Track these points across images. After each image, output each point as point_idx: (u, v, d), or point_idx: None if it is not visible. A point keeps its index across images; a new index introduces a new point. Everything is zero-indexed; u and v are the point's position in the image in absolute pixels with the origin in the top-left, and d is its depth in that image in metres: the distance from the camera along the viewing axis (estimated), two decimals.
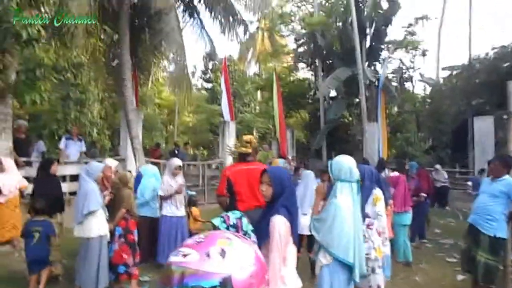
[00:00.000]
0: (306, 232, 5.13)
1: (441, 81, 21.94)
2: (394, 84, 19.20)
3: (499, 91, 15.95)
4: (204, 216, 6.43)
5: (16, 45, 5.44)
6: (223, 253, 1.05)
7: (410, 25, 19.92)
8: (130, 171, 6.66)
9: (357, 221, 2.78)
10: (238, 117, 21.15)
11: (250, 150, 4.33)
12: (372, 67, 18.15)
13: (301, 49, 20.06)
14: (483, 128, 12.57)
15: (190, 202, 6.34)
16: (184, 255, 1.05)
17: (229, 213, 2.42)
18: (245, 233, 2.32)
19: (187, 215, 5.91)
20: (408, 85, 22.34)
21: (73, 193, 8.83)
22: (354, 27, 14.95)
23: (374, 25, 17.54)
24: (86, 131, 17.99)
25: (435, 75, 23.53)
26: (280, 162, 10.98)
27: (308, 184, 5.16)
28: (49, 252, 4.61)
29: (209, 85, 26.94)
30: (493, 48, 18.11)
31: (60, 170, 9.47)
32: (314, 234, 2.84)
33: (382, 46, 18.42)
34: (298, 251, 4.67)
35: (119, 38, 9.50)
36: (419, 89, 24.30)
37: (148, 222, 5.69)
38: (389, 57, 18.29)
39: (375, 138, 15.09)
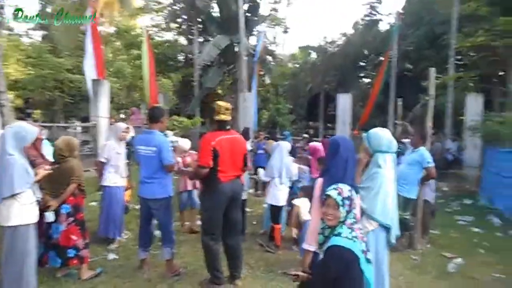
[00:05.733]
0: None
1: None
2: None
3: (350, 72, 18.82)
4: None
5: None
6: None
7: (276, 1, 21.22)
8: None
9: (395, 188, 3.10)
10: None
11: (230, 118, 4.12)
12: (248, 39, 18.73)
13: (176, 7, 19.01)
14: (344, 103, 14.69)
15: None
16: None
17: (340, 185, 2.34)
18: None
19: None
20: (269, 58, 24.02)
21: None
22: None
23: None
24: None
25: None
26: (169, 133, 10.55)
27: (283, 155, 5.29)
28: None
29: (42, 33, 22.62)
30: (344, 34, 21.02)
31: None
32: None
33: (256, 18, 19.09)
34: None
35: None
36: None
37: None
38: (261, 31, 19.10)
39: (251, 108, 15.87)
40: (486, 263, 5.00)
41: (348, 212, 2.28)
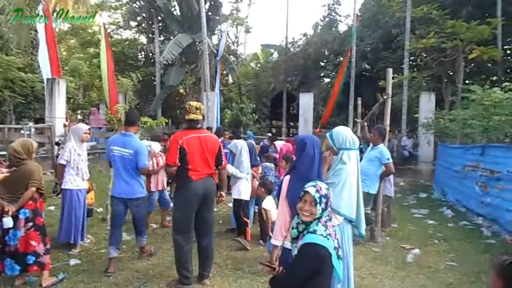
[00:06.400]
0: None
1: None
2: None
3: (311, 72, 19.16)
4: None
5: None
6: None
7: (237, 0, 21.25)
8: None
9: (359, 183, 3.23)
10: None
11: (201, 117, 4.15)
12: (210, 38, 18.61)
13: (135, 5, 18.50)
14: (306, 103, 14.98)
15: None
16: None
17: (318, 183, 2.36)
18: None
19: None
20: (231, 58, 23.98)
21: None
22: None
23: None
24: None
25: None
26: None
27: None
28: None
29: None
30: (304, 35, 21.39)
31: None
32: None
33: (217, 18, 19.01)
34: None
35: None
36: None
37: None
38: (223, 30, 19.07)
39: (214, 107, 15.82)
40: (440, 252, 5.32)
41: (324, 209, 2.31)
